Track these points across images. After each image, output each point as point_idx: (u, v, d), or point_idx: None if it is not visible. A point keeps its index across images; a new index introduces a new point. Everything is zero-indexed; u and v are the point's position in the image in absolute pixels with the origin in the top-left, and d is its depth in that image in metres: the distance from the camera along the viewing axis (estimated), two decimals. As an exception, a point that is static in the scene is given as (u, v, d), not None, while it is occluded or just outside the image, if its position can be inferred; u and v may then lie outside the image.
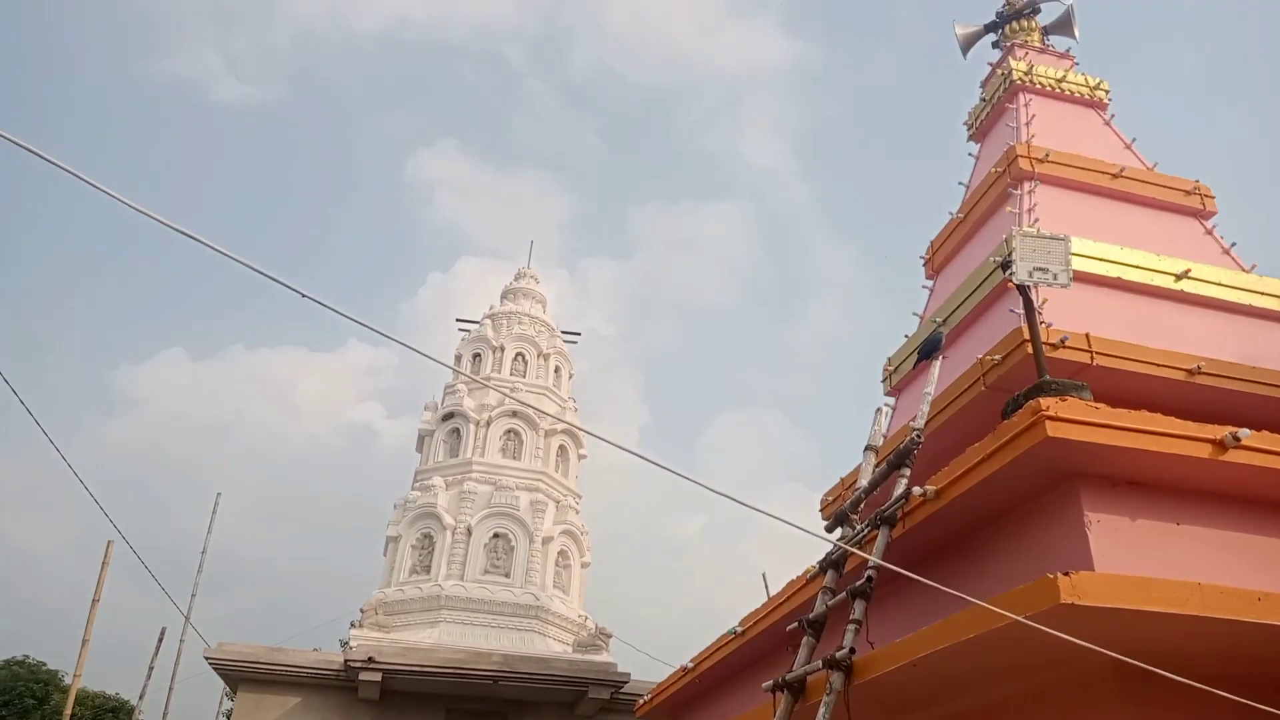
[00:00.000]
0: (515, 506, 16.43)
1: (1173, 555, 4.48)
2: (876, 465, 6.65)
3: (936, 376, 6.60)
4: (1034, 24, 11.92)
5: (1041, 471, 4.61)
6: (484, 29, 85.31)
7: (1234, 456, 4.50)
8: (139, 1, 78.10)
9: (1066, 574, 3.51)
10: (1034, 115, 10.10)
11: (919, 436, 5.91)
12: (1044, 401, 4.35)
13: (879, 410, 7.15)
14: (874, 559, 5.25)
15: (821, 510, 9.96)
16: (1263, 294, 8.59)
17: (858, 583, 5.40)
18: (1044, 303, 7.68)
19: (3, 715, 33.01)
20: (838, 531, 6.50)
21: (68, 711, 14.20)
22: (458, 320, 20.25)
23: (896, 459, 5.99)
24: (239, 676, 13.76)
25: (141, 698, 16.07)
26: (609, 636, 15.14)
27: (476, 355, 19.01)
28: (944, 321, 9.23)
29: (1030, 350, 5.99)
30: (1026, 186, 9.01)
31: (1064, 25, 11.75)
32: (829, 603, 5.77)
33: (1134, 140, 10.19)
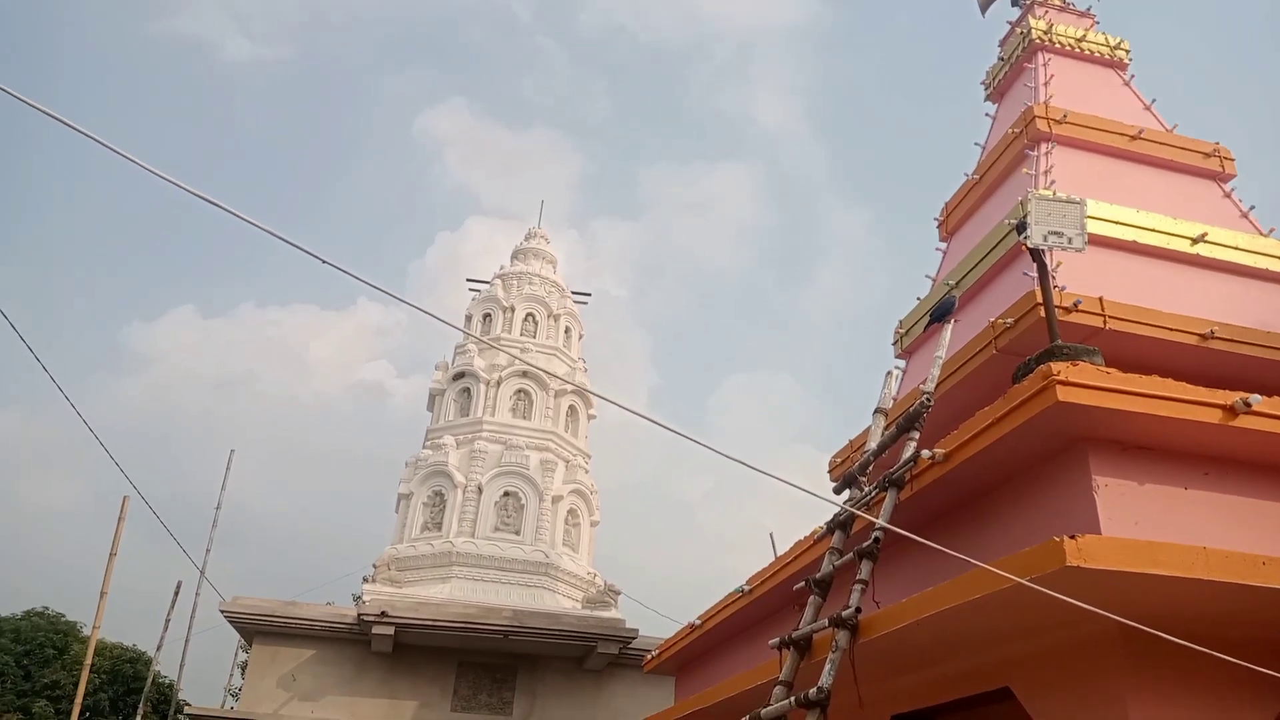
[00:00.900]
0: (525, 465, 16.58)
1: (1180, 520, 4.49)
2: (885, 428, 6.67)
3: (948, 340, 6.59)
4: (1056, -20, 11.66)
5: (1051, 435, 4.61)
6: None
7: (1244, 422, 4.49)
8: (146, -43, 77.21)
9: (1073, 537, 3.53)
10: (1052, 75, 9.92)
11: (929, 400, 5.92)
12: (1055, 366, 4.34)
13: (889, 373, 7.14)
14: (881, 521, 5.29)
15: (830, 472, 10.00)
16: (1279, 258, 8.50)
17: (864, 544, 5.44)
18: (1058, 266, 7.62)
19: (25, 664, 33.83)
20: (846, 493, 6.55)
21: (87, 661, 14.53)
22: (468, 280, 20.26)
23: (906, 422, 6.00)
24: (254, 629, 14.04)
25: (159, 649, 16.40)
26: (618, 593, 15.37)
27: (487, 315, 19.06)
28: (956, 284, 9.17)
29: (1042, 314, 5.96)
30: (1044, 148, 8.89)
31: (1086, -18, 11.48)
32: (836, 563, 5.82)
33: (1154, 101, 10.02)
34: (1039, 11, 10.96)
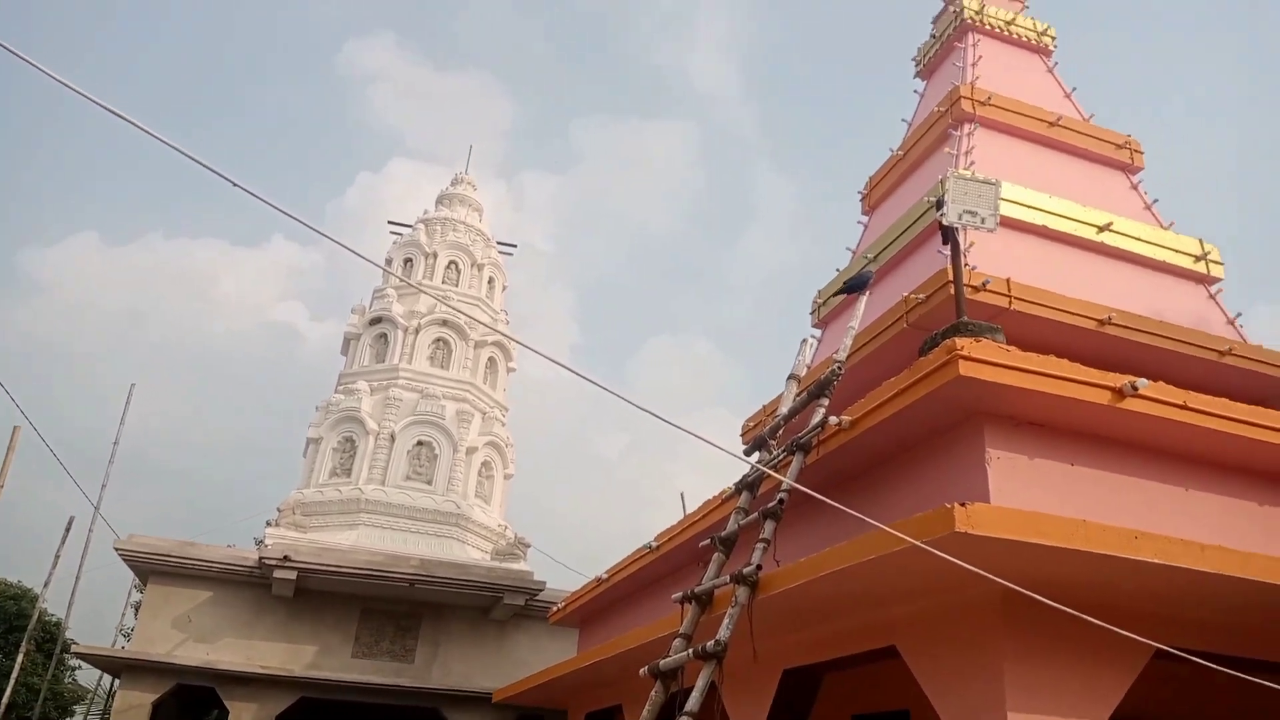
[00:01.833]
0: (441, 415, 16.40)
1: (1065, 494, 4.73)
2: (797, 394, 6.81)
3: (862, 311, 6.74)
4: (990, -37, 11.84)
5: (951, 408, 4.78)
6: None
7: (1131, 405, 4.73)
8: None
9: (963, 504, 3.68)
10: (980, 56, 10.13)
11: (840, 368, 6.06)
12: (959, 341, 4.48)
13: (804, 341, 7.27)
14: (787, 482, 5.42)
15: (742, 435, 10.19)
16: (1176, 251, 8.93)
17: (770, 504, 5.58)
18: (970, 245, 7.84)
19: (-102, 598, 32.13)
20: (756, 455, 6.68)
21: (-34, 595, 13.88)
22: (390, 223, 19.75)
23: (817, 389, 6.13)
24: (149, 569, 13.63)
25: (46, 585, 15.78)
26: (527, 546, 15.43)
27: (408, 260, 18.64)
28: (875, 258, 9.36)
29: (953, 291, 6.14)
30: (967, 128, 9.09)
31: (1019, -33, 11.70)
32: (741, 522, 5.96)
33: (1074, 90, 10.33)
34: (973, -9, 11.14)
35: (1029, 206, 8.49)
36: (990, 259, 7.75)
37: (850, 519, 4.97)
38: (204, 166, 3.86)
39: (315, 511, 15.33)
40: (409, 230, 19.35)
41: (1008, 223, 8.30)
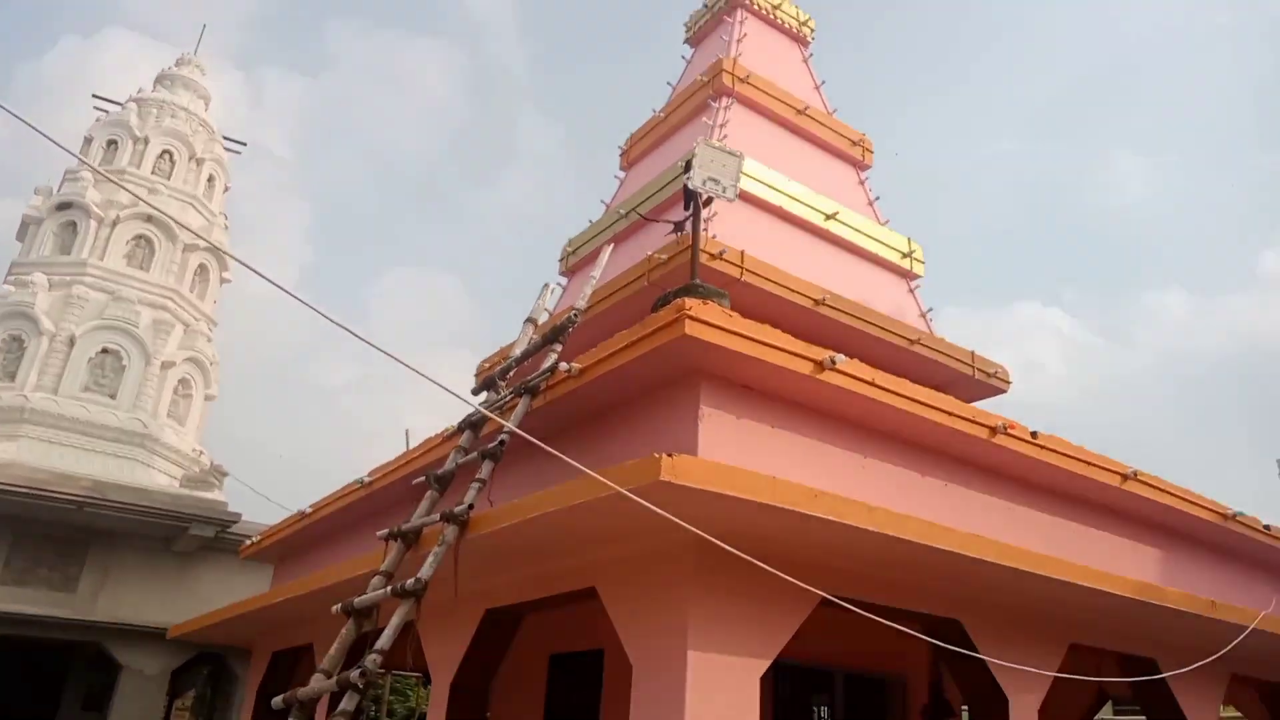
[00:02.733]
0: (134, 322, 14.60)
1: (764, 453, 5.08)
2: (532, 338, 6.76)
3: (604, 262, 6.79)
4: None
5: (674, 364, 4.95)
6: None
7: (829, 377, 5.16)
8: None
9: (670, 455, 3.82)
10: (745, 35, 10.52)
11: (576, 315, 6.07)
12: (688, 302, 4.63)
13: (546, 286, 7.22)
14: (510, 425, 5.36)
15: (476, 376, 10.01)
16: (888, 246, 9.91)
17: (490, 445, 5.50)
18: (714, 215, 8.18)
19: None
20: (482, 396, 6.56)
21: None
22: (95, 97, 17.08)
23: (552, 334, 6.11)
24: None
25: None
26: (224, 475, 14.23)
27: (113, 143, 16.29)
28: (628, 214, 9.51)
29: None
30: (724, 101, 9.43)
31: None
32: (460, 460, 5.82)
33: (823, 83, 11.06)
34: (745, -30, 11.52)
35: (770, 186, 9.00)
36: (730, 230, 8.14)
37: (570, 465, 5.02)
38: None
39: (-36, 417, 13.12)
40: (118, 109, 16.88)
41: (750, 199, 8.77)
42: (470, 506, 5.08)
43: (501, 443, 5.44)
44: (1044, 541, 6.43)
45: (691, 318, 4.59)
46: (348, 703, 4.54)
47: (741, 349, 4.79)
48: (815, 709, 7.88)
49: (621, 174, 10.99)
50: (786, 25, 11.36)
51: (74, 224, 15.28)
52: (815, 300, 7.88)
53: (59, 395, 13.80)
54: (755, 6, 11.09)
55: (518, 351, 6.61)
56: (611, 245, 7.10)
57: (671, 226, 7.22)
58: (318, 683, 4.83)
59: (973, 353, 9.05)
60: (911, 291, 9.93)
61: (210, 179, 17.09)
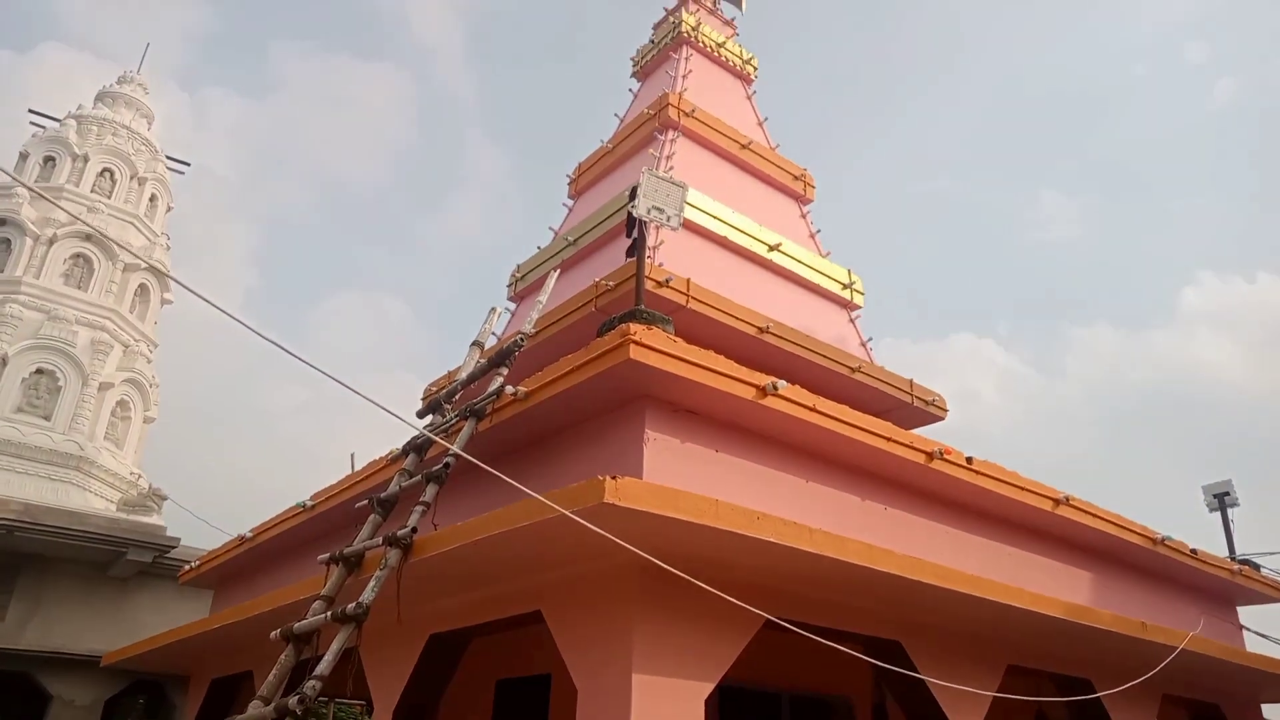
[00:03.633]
0: (71, 343, 14.25)
1: (708, 477, 5.17)
2: (479, 361, 6.79)
3: (551, 287, 6.87)
4: (711, -17, 12.63)
5: (619, 388, 5.03)
6: None
7: (772, 403, 5.29)
8: None
9: (614, 478, 3.89)
10: (691, 70, 10.76)
11: (522, 339, 6.13)
12: (633, 327, 4.73)
13: (492, 310, 7.27)
14: (455, 448, 5.38)
15: (423, 399, 9.97)
16: (829, 277, 10.14)
17: (435, 468, 5.51)
18: (661, 244, 8.32)
19: None
20: (428, 419, 6.55)
21: None
22: (31, 111, 16.71)
23: (498, 357, 6.15)
24: None
25: None
26: (163, 499, 13.89)
27: (50, 159, 15.95)
28: (575, 241, 9.61)
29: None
30: (670, 134, 9.61)
31: (736, -5, 12.61)
32: (404, 484, 5.81)
33: (766, 119, 11.34)
34: (692, 7, 11.82)
35: (715, 217, 9.18)
36: (676, 259, 8.28)
37: (513, 489, 5.05)
38: None
39: (-114, 440, 12.64)
40: (56, 125, 16.54)
41: (695, 229, 8.94)
42: (414, 530, 5.08)
43: (446, 465, 5.45)
44: (981, 564, 6.63)
45: (636, 342, 4.69)
46: (286, 729, 4.48)
47: (685, 374, 4.89)
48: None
49: (570, 202, 11.11)
50: (730, 63, 11.64)
51: (9, 241, 14.89)
52: (759, 328, 8.04)
53: (-11, 417, 13.38)
54: (700, 44, 11.35)
55: (464, 375, 6.63)
56: (558, 271, 7.19)
57: (623, 255, 7.33)
58: (255, 710, 4.76)
59: (911, 381, 9.29)
60: (852, 321, 10.17)
61: (153, 198, 16.80)
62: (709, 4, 12.24)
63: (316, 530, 8.10)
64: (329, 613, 5.00)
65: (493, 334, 7.50)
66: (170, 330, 17.46)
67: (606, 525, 4.09)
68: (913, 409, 9.24)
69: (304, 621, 5.07)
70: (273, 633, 5.20)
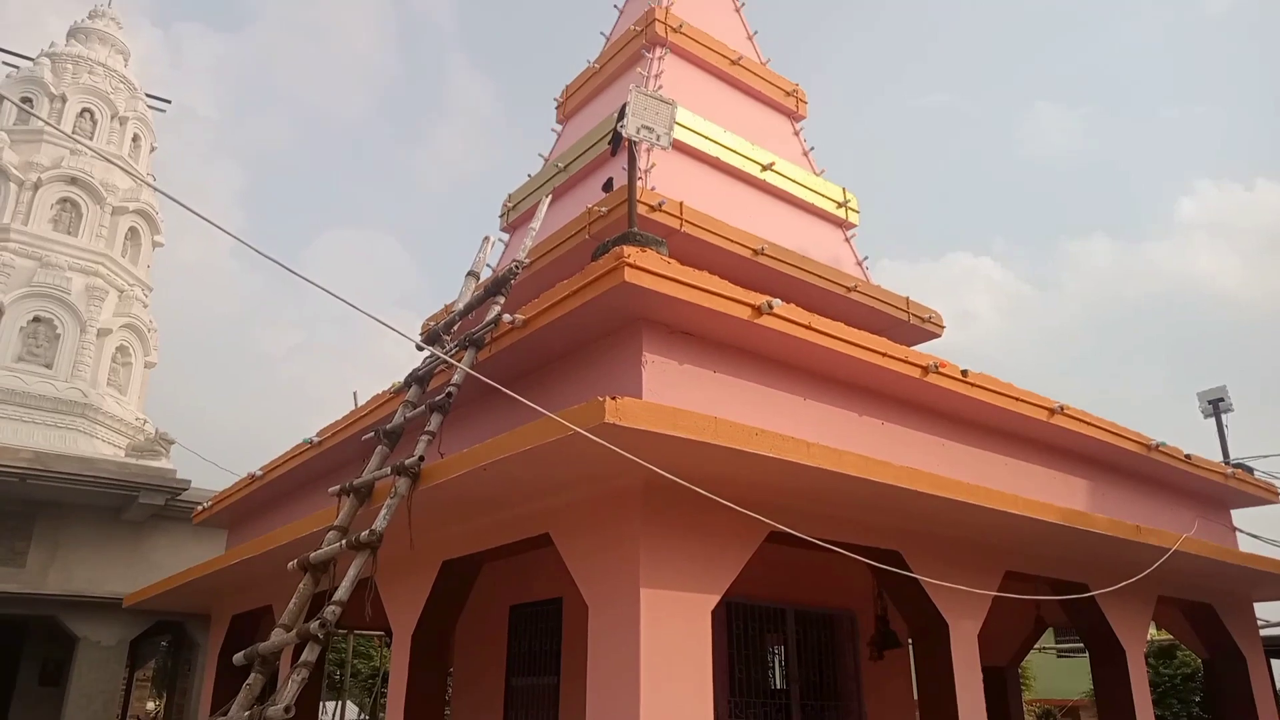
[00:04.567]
0: (66, 290, 14.20)
1: (706, 397, 5.23)
2: (475, 291, 6.79)
3: (544, 214, 6.82)
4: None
5: (615, 312, 5.05)
6: None
7: (767, 322, 5.31)
8: None
9: (614, 398, 3.94)
10: (678, -17, 10.44)
11: (517, 266, 6.12)
12: (627, 250, 4.72)
13: (486, 239, 7.24)
14: (456, 376, 5.42)
15: (421, 332, 9.98)
16: (823, 196, 10.05)
17: (438, 398, 5.56)
18: (653, 167, 8.23)
19: None
20: (428, 351, 6.59)
21: None
22: (1, 50, 16.29)
23: (494, 286, 6.15)
24: None
25: None
26: (170, 442, 14.04)
27: (27, 100, 15.62)
28: (566, 167, 9.50)
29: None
30: (658, 52, 9.41)
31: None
32: (408, 415, 5.88)
33: (756, 33, 11.06)
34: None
35: (706, 137, 9.04)
36: (668, 181, 8.19)
37: (516, 415, 5.11)
38: None
39: (-110, 393, 12.71)
40: (29, 64, 16.15)
41: (686, 150, 8.81)
42: (421, 459, 5.16)
43: (449, 395, 5.51)
44: (977, 475, 6.74)
45: (630, 265, 4.68)
46: (309, 654, 4.64)
47: (681, 295, 4.90)
48: (769, 645, 8.19)
49: (558, 127, 10.93)
50: (719, -27, 11.29)
51: (-7, 189, 14.72)
52: (754, 250, 8.01)
53: (-9, 367, 13.44)
54: (688, -47, 10.99)
55: (461, 305, 6.64)
56: (550, 198, 7.12)
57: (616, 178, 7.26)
58: (278, 637, 4.91)
59: (908, 299, 9.30)
60: (847, 240, 10.12)
61: (136, 138, 16.53)
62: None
63: (325, 466, 8.22)
64: (343, 541, 5.12)
65: (487, 264, 7.48)
66: (164, 276, 17.37)
67: (609, 445, 4.15)
68: (909, 327, 9.27)
69: (319, 551, 5.20)
70: (290, 563, 5.33)
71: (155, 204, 16.25)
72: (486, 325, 5.70)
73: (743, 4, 11.30)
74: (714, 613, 4.91)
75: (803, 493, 5.33)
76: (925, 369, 6.29)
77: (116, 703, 13.11)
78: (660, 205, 7.37)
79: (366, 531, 4.92)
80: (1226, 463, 10.56)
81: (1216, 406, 12.39)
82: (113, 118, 16.02)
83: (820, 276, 8.60)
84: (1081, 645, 9.28)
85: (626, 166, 6.28)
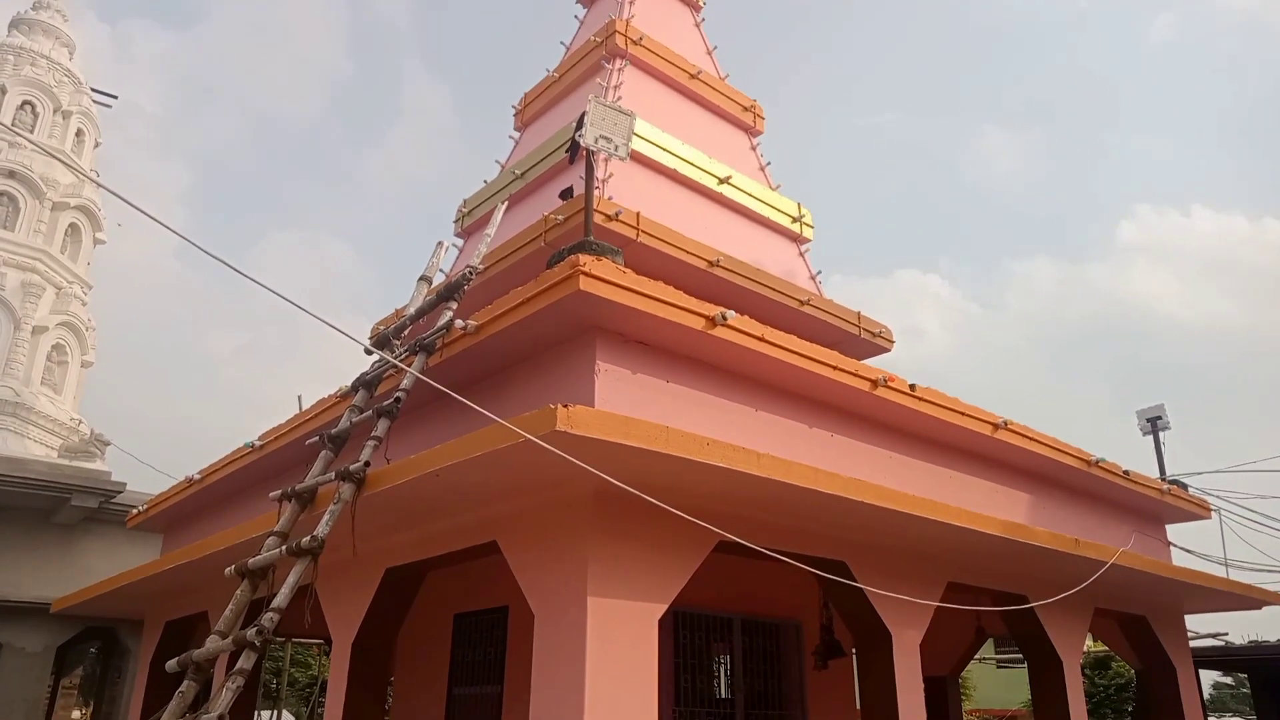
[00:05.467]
0: (1, 286, 13.72)
1: (659, 407, 5.23)
2: (427, 296, 6.71)
3: (499, 220, 6.79)
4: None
5: (570, 320, 5.03)
6: None
7: (721, 333, 5.34)
8: None
9: (566, 406, 3.92)
10: (639, -4, 10.51)
11: (471, 272, 6.07)
12: (582, 258, 4.71)
13: (439, 244, 7.17)
14: (405, 382, 5.35)
15: (370, 336, 9.83)
16: (779, 210, 10.16)
17: (385, 403, 5.48)
18: (610, 177, 8.24)
19: None
20: (377, 355, 6.49)
21: None
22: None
23: (446, 291, 6.10)
24: None
25: None
26: (106, 444, 13.62)
27: (-36, 91, 15.10)
28: (523, 174, 9.46)
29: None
30: (618, 63, 9.44)
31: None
32: (354, 419, 5.79)
33: (715, 48, 11.17)
34: (639, -70, 11.45)
35: (664, 149, 9.09)
36: (625, 192, 8.21)
37: (465, 422, 5.06)
38: None
39: None
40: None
41: (644, 161, 8.84)
42: (367, 464, 5.07)
43: (397, 400, 5.43)
44: (923, 487, 6.85)
45: (585, 273, 4.68)
46: (245, 661, 4.52)
47: (635, 304, 4.91)
48: (715, 654, 8.21)
49: (516, 134, 10.90)
50: (679, -12, 11.38)
51: (-76, 180, 14.19)
52: (710, 262, 8.06)
53: (-84, 364, 12.92)
54: (648, -33, 11.06)
55: (412, 310, 6.57)
56: (505, 204, 7.10)
57: (573, 187, 7.24)
58: (213, 644, 4.78)
59: (859, 313, 9.43)
60: (801, 255, 10.24)
61: (79, 133, 16.07)
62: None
63: (266, 470, 8.04)
64: (283, 547, 5.01)
65: (440, 269, 7.42)
66: (107, 277, 16.91)
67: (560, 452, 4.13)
68: (860, 341, 9.40)
69: (258, 557, 5.07)
70: (227, 569, 5.19)
71: (98, 200, 15.80)
72: (438, 330, 5.63)
73: (703, 20, 11.40)
74: (661, 621, 4.90)
75: (752, 502, 5.36)
76: (875, 383, 6.38)
77: (41, 710, 12.63)
78: (617, 215, 7.38)
79: (308, 537, 4.82)
80: (1163, 479, 10.89)
81: (1155, 424, 12.76)
82: (55, 111, 15.56)
83: (774, 289, 8.68)
84: (1021, 656, 9.46)
85: (584, 175, 6.30)
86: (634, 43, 9.56)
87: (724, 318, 5.29)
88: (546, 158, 9.14)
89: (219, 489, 8.84)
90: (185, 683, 4.71)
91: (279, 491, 5.54)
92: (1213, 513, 10.68)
